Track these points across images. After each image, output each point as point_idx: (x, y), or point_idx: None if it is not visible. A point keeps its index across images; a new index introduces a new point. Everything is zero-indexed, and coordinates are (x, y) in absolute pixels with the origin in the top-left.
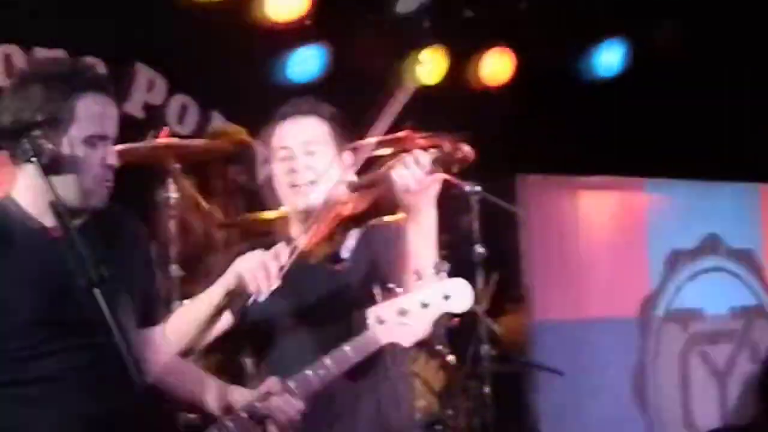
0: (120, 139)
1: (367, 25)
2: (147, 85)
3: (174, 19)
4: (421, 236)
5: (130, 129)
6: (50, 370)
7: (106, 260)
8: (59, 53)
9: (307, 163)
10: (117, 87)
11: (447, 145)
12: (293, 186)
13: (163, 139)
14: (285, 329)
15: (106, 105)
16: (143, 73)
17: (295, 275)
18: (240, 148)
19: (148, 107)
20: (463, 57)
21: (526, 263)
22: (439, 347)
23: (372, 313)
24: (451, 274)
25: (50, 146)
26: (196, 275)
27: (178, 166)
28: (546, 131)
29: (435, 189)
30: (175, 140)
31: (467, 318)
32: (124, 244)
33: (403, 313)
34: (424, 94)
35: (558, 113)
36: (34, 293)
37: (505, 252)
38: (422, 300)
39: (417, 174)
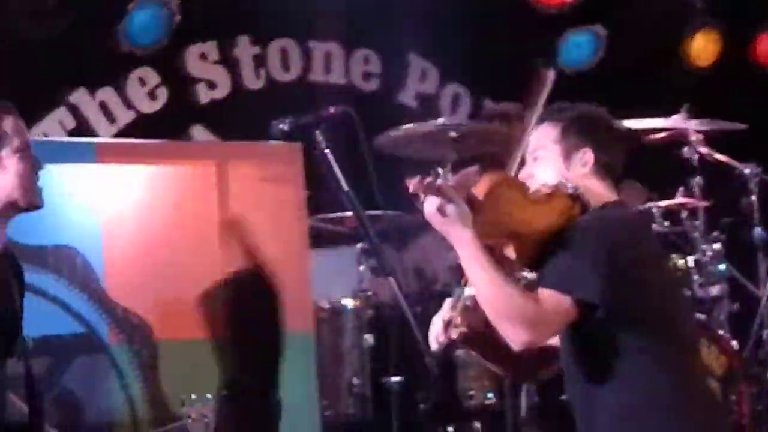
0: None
1: (640, 8)
2: (420, 76)
3: (447, 10)
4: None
5: (404, 118)
6: None
7: None
8: (333, 46)
9: (530, 171)
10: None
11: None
12: None
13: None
14: None
15: None
16: (416, 63)
17: None
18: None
19: (421, 97)
20: (738, 38)
21: None
22: (721, 332)
23: None
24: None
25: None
26: None
27: (456, 153)
28: None
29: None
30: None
31: (749, 303)
32: None
33: None
34: (700, 77)
35: None
36: None
37: None
38: None
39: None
